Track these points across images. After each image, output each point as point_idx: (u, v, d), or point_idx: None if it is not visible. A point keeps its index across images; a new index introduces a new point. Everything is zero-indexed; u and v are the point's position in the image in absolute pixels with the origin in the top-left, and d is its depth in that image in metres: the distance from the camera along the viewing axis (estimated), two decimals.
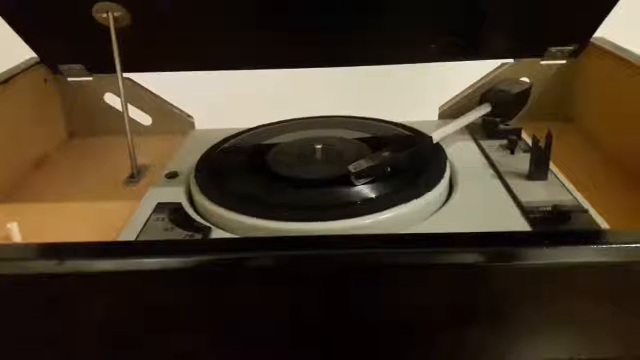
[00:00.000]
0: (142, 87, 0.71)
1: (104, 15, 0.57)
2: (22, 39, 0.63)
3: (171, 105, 0.72)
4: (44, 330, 0.37)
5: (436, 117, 0.72)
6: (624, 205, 0.52)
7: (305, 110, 0.68)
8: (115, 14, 0.57)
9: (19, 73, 0.64)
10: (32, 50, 0.66)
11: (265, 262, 0.35)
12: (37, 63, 0.68)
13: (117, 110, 0.70)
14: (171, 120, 0.72)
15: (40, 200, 0.57)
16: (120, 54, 0.58)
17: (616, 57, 0.62)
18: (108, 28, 0.57)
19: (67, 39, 0.64)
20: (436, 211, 0.48)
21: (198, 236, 0.45)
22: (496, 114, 0.63)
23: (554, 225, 0.45)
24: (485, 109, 0.62)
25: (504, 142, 0.59)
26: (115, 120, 0.70)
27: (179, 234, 0.46)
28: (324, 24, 0.62)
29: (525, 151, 0.57)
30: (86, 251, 0.36)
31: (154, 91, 0.72)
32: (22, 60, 0.67)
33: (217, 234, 0.46)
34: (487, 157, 0.57)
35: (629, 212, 0.51)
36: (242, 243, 0.40)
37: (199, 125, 0.72)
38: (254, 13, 0.61)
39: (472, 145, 0.61)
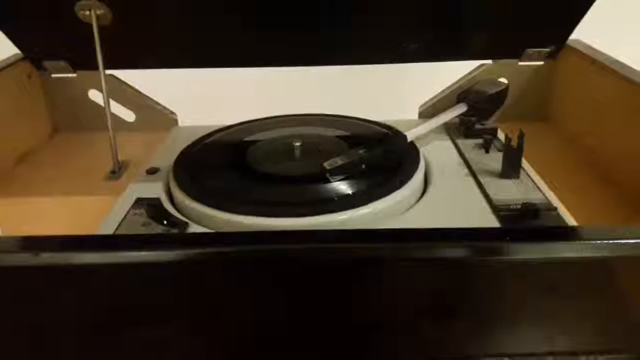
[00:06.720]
0: (125, 83, 0.71)
1: (87, 12, 0.58)
2: (5, 35, 0.63)
3: (154, 102, 0.72)
4: (21, 323, 0.37)
5: (416, 117, 0.73)
6: (594, 204, 0.53)
7: (286, 108, 0.69)
8: (98, 12, 0.58)
9: (2, 69, 0.64)
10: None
11: (239, 257, 0.35)
12: (21, 59, 0.68)
13: (101, 107, 0.71)
14: (154, 116, 0.72)
15: (21, 194, 0.57)
16: (102, 51, 0.58)
17: (589, 59, 0.64)
18: (91, 25, 0.58)
19: (51, 36, 0.65)
20: (409, 208, 0.49)
21: (175, 231, 0.46)
22: (472, 114, 0.64)
23: (522, 222, 0.46)
24: (460, 109, 0.64)
25: (480, 141, 0.60)
26: (99, 117, 0.70)
27: (156, 229, 0.46)
28: (306, 24, 0.63)
29: (500, 150, 0.58)
30: (62, 244, 0.36)
31: (139, 88, 0.72)
32: (5, 55, 0.68)
33: (194, 229, 0.46)
34: (462, 155, 0.58)
35: (599, 210, 0.52)
36: (216, 238, 0.40)
37: (182, 122, 0.73)
38: (236, 12, 0.62)
39: (448, 144, 0.62)
